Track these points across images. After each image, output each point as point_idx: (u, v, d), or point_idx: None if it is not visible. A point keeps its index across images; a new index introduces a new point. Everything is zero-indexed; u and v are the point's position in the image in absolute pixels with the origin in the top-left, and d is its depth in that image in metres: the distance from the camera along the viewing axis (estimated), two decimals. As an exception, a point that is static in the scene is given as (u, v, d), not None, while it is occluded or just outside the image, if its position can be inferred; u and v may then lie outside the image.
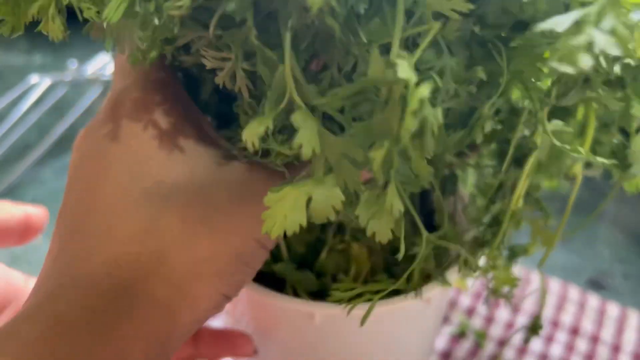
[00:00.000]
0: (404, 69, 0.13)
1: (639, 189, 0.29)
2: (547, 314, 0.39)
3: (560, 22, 0.13)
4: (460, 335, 0.38)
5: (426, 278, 0.24)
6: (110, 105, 0.20)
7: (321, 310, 0.22)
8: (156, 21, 0.16)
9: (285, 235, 0.16)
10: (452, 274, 0.24)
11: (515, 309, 0.39)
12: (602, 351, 0.37)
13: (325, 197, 0.15)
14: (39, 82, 0.52)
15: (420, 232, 0.21)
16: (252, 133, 0.15)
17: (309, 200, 0.15)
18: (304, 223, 0.16)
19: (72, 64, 0.57)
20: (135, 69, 0.21)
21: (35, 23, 0.19)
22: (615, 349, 0.37)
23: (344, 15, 0.14)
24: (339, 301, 0.22)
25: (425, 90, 0.13)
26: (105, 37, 0.18)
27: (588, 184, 0.33)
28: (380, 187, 0.15)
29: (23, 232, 0.25)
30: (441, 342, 0.37)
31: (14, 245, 0.25)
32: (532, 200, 0.23)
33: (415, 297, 0.23)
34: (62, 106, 0.55)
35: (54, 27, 0.18)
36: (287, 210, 0.16)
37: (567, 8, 0.16)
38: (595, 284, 0.43)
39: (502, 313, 0.39)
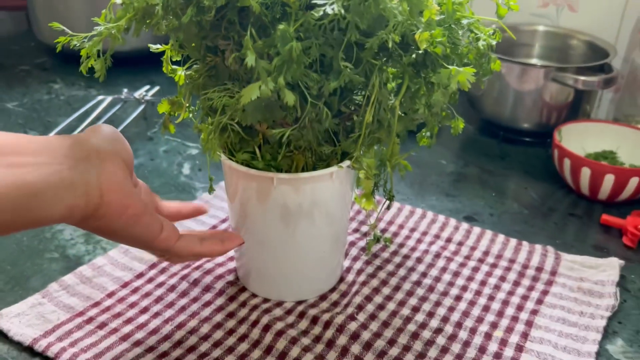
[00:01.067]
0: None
1: (457, 130, 0.52)
2: (433, 232, 0.62)
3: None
4: (376, 241, 0.60)
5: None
6: None
7: (277, 176, 0.45)
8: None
9: (266, 140, 0.39)
10: (345, 163, 0.46)
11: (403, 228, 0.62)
12: (464, 250, 0.59)
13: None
14: (103, 100, 0.77)
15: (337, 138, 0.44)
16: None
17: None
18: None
19: (124, 90, 0.81)
20: None
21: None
22: (473, 249, 0.59)
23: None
24: (287, 172, 0.44)
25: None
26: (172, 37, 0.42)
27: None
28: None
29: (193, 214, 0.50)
30: (362, 243, 0.59)
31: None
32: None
33: (330, 174, 0.45)
34: (116, 119, 0.80)
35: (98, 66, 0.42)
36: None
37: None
38: (469, 219, 0.65)
39: (404, 231, 0.62)
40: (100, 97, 0.78)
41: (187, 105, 0.49)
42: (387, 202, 0.50)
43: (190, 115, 0.50)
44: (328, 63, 0.40)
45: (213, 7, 0.36)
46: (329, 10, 0.34)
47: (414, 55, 0.44)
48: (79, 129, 0.74)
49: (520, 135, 0.82)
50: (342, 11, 0.34)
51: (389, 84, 0.47)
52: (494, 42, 0.48)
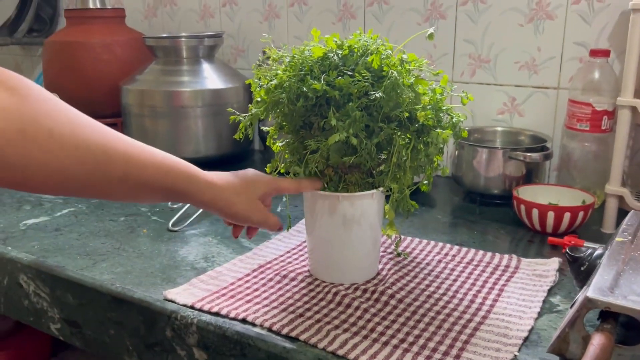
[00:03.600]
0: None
1: (445, 172, 0.85)
2: (435, 250, 0.92)
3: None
4: (397, 255, 0.90)
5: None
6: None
7: (341, 195, 0.76)
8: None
9: (331, 179, 0.73)
10: (380, 188, 0.78)
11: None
12: (457, 259, 0.89)
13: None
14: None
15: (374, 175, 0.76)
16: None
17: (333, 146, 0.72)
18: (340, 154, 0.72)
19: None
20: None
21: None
22: (462, 258, 0.89)
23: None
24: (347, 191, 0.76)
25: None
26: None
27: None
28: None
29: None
30: (389, 256, 0.89)
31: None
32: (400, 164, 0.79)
33: (371, 194, 0.77)
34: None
35: (250, 131, 0.76)
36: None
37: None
38: (459, 244, 0.96)
39: (415, 251, 0.92)
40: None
41: (284, 164, 0.82)
42: (407, 213, 0.82)
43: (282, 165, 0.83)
44: (371, 129, 0.74)
45: (314, 97, 0.70)
46: (377, 95, 0.68)
47: (416, 126, 0.78)
48: (184, 200, 1.06)
49: (492, 199, 1.15)
50: (383, 95, 0.69)
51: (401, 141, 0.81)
52: (462, 120, 0.82)
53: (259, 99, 0.75)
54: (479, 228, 1.03)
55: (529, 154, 1.08)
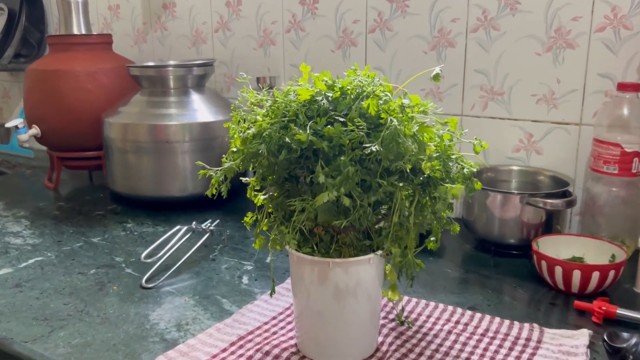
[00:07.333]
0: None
1: (454, 231, 0.73)
2: (444, 317, 0.80)
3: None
4: (401, 324, 0.77)
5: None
6: None
7: (333, 261, 0.65)
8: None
9: (321, 239, 0.61)
10: (379, 252, 0.67)
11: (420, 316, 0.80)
12: (470, 328, 0.77)
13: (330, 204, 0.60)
14: (179, 229, 0.99)
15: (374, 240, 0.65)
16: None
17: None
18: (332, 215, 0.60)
19: (194, 222, 1.04)
20: None
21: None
22: (476, 327, 0.77)
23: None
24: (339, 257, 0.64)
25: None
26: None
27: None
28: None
29: None
30: (391, 325, 0.77)
31: None
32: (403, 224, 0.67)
33: (368, 259, 0.65)
34: (182, 247, 1.01)
35: (223, 188, 0.65)
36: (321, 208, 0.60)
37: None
38: (472, 308, 0.83)
39: (422, 317, 0.79)
40: (177, 227, 1.00)
41: (267, 219, 0.70)
42: (410, 281, 0.70)
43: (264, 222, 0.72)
44: (368, 185, 0.63)
45: (298, 149, 0.59)
46: (373, 148, 0.57)
47: (421, 178, 0.67)
48: (162, 252, 0.95)
49: (508, 249, 1.02)
50: (381, 149, 0.57)
51: (404, 197, 0.69)
52: (474, 170, 0.70)
53: (234, 149, 0.63)
54: (493, 285, 0.91)
55: (549, 200, 0.96)
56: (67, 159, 1.48)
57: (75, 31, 1.46)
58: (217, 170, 0.64)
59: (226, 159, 0.64)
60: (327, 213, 0.61)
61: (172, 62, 1.37)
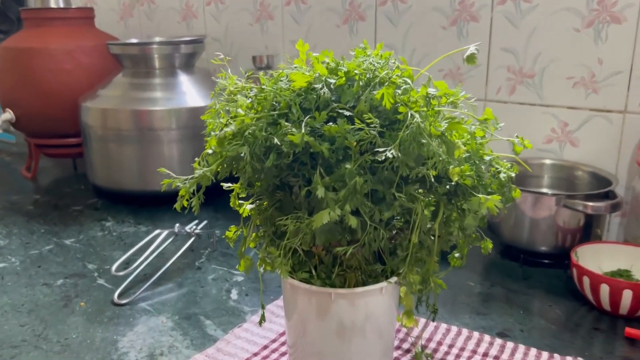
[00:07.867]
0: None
1: (487, 250, 0.60)
2: (470, 347, 0.66)
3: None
4: (418, 359, 0.64)
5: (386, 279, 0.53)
6: None
7: (335, 291, 0.51)
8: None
9: (321, 261, 0.47)
10: (393, 279, 0.53)
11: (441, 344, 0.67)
12: (501, 363, 0.64)
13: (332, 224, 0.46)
14: (159, 233, 0.85)
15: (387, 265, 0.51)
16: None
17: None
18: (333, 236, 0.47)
19: (176, 225, 0.90)
20: None
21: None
22: (509, 362, 0.64)
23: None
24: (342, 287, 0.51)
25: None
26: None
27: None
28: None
29: None
30: (406, 357, 0.64)
31: None
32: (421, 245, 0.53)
33: (380, 289, 0.52)
34: (166, 251, 0.87)
35: (194, 202, 0.51)
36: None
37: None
38: (502, 334, 0.70)
39: (443, 347, 0.66)
40: (157, 231, 0.87)
41: (254, 234, 0.57)
42: (432, 314, 0.56)
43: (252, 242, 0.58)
44: (380, 195, 0.49)
45: (291, 152, 0.45)
46: (388, 154, 0.43)
47: (447, 186, 0.53)
48: (138, 262, 0.81)
49: (540, 258, 0.89)
50: (399, 154, 0.43)
51: (426, 211, 0.56)
52: (513, 174, 0.56)
53: (210, 151, 0.49)
54: (523, 303, 0.77)
55: (591, 203, 0.81)
56: (46, 147, 1.35)
57: (53, 4, 1.31)
58: (187, 179, 0.50)
59: (198, 164, 0.50)
60: (327, 234, 0.48)
61: (157, 39, 1.22)
